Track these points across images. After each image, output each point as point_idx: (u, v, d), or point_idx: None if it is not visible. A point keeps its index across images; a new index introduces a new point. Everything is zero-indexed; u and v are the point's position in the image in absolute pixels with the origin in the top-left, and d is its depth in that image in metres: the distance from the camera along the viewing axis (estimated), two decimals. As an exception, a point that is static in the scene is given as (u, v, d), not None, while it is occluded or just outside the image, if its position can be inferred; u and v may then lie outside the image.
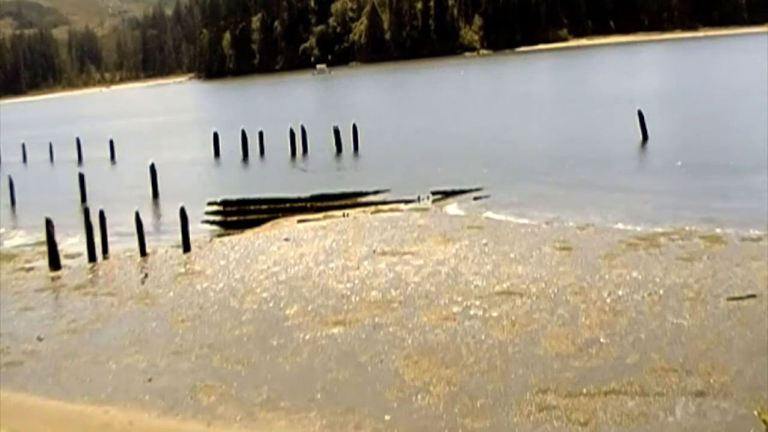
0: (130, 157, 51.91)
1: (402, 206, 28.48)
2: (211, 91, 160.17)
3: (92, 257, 24.52)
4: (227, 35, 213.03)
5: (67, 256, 25.00)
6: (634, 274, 18.36)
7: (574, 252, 20.61)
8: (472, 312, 16.79)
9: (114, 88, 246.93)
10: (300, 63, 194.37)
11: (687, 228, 22.01)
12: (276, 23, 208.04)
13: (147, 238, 24.96)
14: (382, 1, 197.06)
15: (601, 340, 14.80)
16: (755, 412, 10.52)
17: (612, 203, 26.32)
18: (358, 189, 31.34)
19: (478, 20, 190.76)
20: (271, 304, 18.60)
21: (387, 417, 12.65)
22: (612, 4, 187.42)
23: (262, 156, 46.81)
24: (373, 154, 43.62)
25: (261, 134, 47.66)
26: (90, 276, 23.15)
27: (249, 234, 26.42)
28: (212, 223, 28.46)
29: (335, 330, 16.47)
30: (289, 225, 27.06)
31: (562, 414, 12.19)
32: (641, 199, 26.90)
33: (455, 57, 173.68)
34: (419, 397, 13.19)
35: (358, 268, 20.80)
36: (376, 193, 30.86)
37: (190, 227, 25.11)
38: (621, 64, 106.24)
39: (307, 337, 16.27)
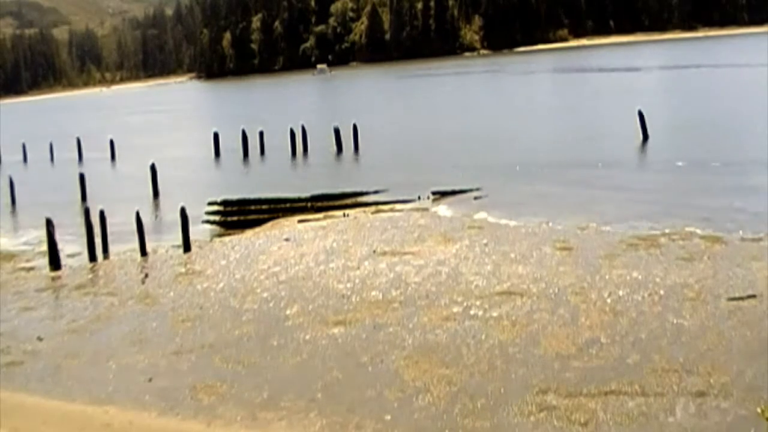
0: (130, 156, 51.90)
1: (402, 206, 28.47)
2: (211, 91, 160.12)
3: (92, 257, 24.52)
4: (227, 35, 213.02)
5: (68, 256, 25.00)
6: (635, 274, 18.35)
7: (574, 252, 20.60)
8: (472, 312, 16.78)
9: (114, 87, 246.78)
10: (300, 63, 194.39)
11: (687, 228, 21.99)
12: (276, 23, 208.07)
13: (147, 238, 24.94)
14: (382, 1, 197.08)
15: (602, 340, 14.80)
16: (759, 410, 10.52)
17: (612, 203, 26.31)
18: (358, 189, 31.32)
19: (478, 20, 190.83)
20: (271, 304, 18.60)
21: (387, 417, 12.65)
22: (612, 4, 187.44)
23: (262, 156, 46.81)
24: (373, 154, 43.63)
25: (261, 134, 47.65)
26: (90, 276, 23.15)
27: (249, 234, 26.41)
28: (212, 223, 28.44)
29: (335, 330, 16.47)
30: (289, 225, 27.06)
31: (562, 414, 12.18)
32: (642, 199, 26.89)
33: (455, 57, 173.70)
34: (419, 397, 13.19)
35: (358, 268, 20.80)
36: (376, 193, 30.85)
37: (191, 227, 25.10)
38: (621, 63, 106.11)
39: (308, 337, 16.26)
